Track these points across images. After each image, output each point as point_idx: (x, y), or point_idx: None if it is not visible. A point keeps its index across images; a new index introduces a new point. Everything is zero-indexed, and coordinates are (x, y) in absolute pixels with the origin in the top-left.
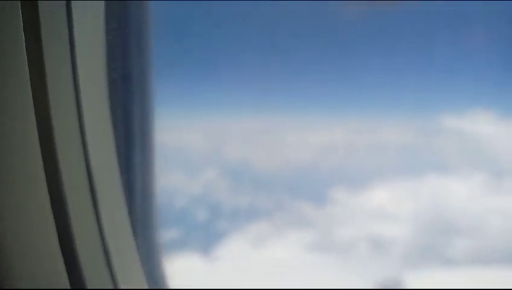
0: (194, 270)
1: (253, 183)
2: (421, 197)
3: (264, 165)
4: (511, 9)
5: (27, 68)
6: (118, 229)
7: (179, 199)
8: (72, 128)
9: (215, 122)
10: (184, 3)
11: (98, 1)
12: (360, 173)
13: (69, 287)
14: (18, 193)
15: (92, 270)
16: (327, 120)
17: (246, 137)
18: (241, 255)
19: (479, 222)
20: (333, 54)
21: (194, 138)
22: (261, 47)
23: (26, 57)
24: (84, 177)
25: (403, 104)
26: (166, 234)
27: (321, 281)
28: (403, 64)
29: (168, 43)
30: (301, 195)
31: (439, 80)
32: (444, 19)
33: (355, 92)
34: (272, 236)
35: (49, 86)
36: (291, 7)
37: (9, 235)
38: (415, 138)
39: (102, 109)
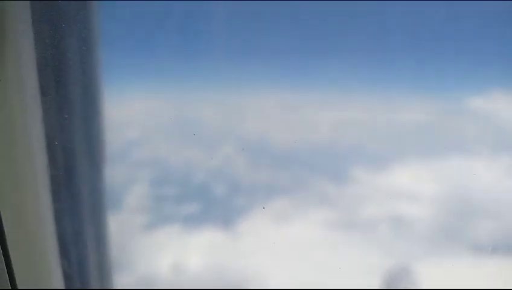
0: (216, 246)
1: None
2: (444, 178)
3: (282, 142)
4: None
5: None
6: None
7: (197, 174)
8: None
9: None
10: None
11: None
12: (381, 152)
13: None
14: None
15: None
16: (346, 98)
17: (264, 113)
18: (264, 231)
19: (504, 204)
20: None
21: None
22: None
23: None
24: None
25: (424, 84)
26: (185, 209)
27: (342, 259)
28: (422, 44)
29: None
30: (321, 173)
31: (460, 59)
32: None
33: (375, 71)
34: (293, 213)
35: None
36: None
37: None
38: (436, 118)
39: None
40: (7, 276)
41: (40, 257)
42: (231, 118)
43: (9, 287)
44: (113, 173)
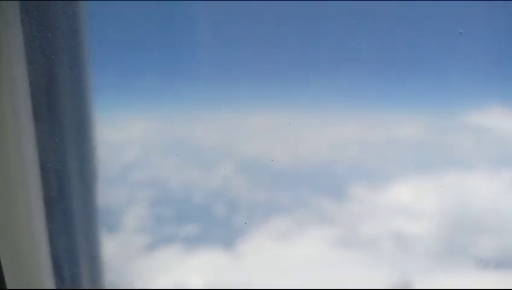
0: (217, 266)
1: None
2: (443, 194)
3: (279, 161)
4: None
5: None
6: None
7: (197, 194)
8: None
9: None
10: None
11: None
12: (379, 169)
13: None
14: None
15: None
16: (344, 116)
17: (259, 133)
18: (264, 251)
19: (504, 219)
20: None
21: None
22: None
23: None
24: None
25: (419, 100)
26: (185, 230)
27: (345, 277)
28: (416, 59)
29: None
30: (320, 191)
31: (455, 75)
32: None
33: (369, 88)
34: (293, 232)
35: None
36: None
37: None
38: (433, 134)
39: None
40: None
41: (33, 277)
42: (226, 138)
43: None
44: (105, 194)
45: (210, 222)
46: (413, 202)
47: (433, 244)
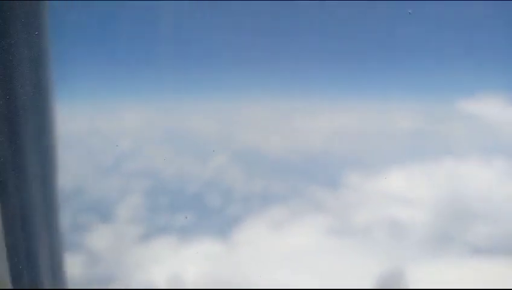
0: (213, 256)
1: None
2: (438, 182)
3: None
4: None
5: None
6: None
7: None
8: None
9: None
10: None
11: None
12: (374, 158)
13: None
14: None
15: None
16: (340, 105)
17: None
18: (260, 240)
19: (498, 208)
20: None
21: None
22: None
23: None
24: None
25: (414, 89)
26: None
27: (340, 265)
28: (412, 48)
29: None
30: (315, 180)
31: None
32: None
33: (365, 77)
34: (288, 221)
35: None
36: None
37: None
38: (427, 122)
39: None
40: None
41: None
42: (223, 127)
43: None
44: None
45: (203, 211)
46: (407, 190)
47: (427, 231)
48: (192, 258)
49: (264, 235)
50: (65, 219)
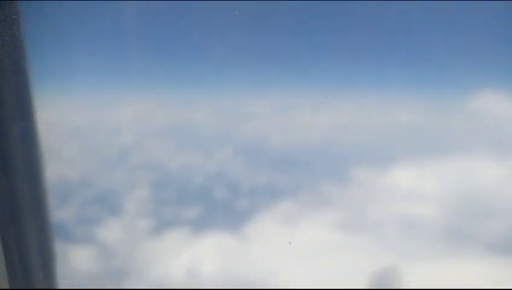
0: (224, 249)
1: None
2: (448, 178)
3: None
4: None
5: None
6: None
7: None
8: None
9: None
10: None
11: None
12: (380, 152)
13: None
14: None
15: None
16: (344, 99)
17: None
18: (270, 234)
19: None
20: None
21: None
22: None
23: None
24: None
25: (421, 83)
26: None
27: (351, 260)
28: (417, 44)
29: None
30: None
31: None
32: None
33: (373, 73)
34: (298, 215)
35: None
36: None
37: None
38: (437, 118)
39: None
40: None
41: None
42: (227, 121)
43: None
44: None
45: (213, 205)
46: (418, 185)
47: (436, 228)
48: (205, 251)
49: (275, 229)
50: (72, 213)
